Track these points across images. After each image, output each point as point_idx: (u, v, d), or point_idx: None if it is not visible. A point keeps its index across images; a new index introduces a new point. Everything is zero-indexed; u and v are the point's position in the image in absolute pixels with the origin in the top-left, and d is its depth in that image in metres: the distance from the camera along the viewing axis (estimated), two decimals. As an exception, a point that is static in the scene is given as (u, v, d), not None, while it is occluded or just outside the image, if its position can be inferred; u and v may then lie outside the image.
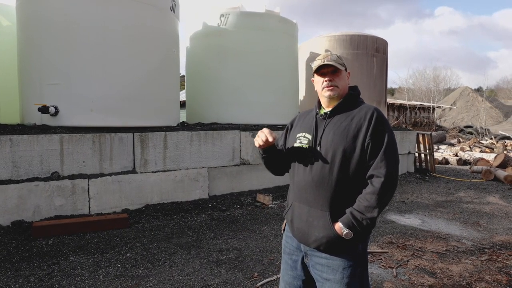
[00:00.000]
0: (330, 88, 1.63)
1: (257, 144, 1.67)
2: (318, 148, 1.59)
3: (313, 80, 1.76)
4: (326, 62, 1.61)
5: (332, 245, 1.53)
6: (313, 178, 1.58)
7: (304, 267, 1.67)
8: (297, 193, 1.67)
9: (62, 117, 4.79)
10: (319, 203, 1.57)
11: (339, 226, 1.51)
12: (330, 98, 1.64)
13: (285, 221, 1.80)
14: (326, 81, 1.63)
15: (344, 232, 1.49)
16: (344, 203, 1.54)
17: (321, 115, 1.67)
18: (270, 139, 1.62)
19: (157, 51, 5.46)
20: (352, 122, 1.56)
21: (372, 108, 1.59)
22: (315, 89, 1.74)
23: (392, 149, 1.53)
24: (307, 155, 1.62)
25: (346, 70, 1.68)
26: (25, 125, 4.96)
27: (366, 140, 1.51)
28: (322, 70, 1.65)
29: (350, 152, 1.52)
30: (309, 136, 1.65)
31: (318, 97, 1.74)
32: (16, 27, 5.30)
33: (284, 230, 1.82)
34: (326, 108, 1.69)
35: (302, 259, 1.67)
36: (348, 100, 1.65)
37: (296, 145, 1.69)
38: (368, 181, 1.52)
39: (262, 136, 1.63)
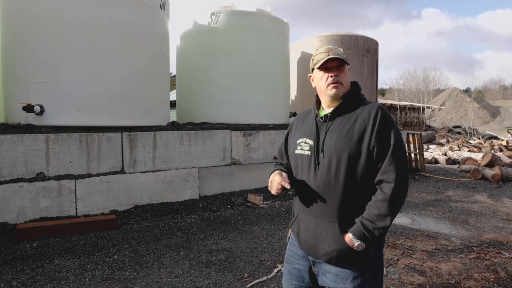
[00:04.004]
0: (335, 85, 1.48)
1: (274, 193, 1.53)
2: (321, 155, 1.46)
3: (310, 76, 1.60)
4: (332, 56, 1.46)
5: (344, 258, 1.43)
6: (318, 188, 1.46)
7: (312, 276, 1.56)
8: (303, 203, 1.55)
9: (48, 116, 4.67)
10: (326, 213, 1.46)
11: (349, 237, 1.40)
12: (335, 96, 1.50)
13: (290, 229, 1.69)
14: (331, 76, 1.48)
15: (356, 244, 1.38)
16: (353, 212, 1.43)
17: (321, 118, 1.53)
18: (288, 187, 1.47)
19: (146, 49, 5.37)
20: (356, 124, 1.44)
21: (375, 107, 1.46)
22: (314, 86, 1.58)
23: (400, 150, 1.40)
24: (310, 163, 1.50)
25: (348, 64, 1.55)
26: (9, 124, 4.82)
27: (372, 143, 1.39)
28: (327, 65, 1.49)
29: (356, 157, 1.40)
30: (311, 142, 1.51)
31: (317, 95, 1.59)
32: (0, 22, 5.16)
33: (289, 238, 1.70)
34: (327, 108, 1.55)
35: (310, 268, 1.57)
36: (350, 99, 1.51)
37: (297, 152, 1.56)
38: (377, 186, 1.40)
39: (277, 185, 1.49)
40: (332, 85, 1.49)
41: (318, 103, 1.60)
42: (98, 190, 4.66)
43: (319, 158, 1.48)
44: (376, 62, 9.91)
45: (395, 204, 1.37)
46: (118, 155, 4.82)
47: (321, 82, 1.52)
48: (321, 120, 1.53)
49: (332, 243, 1.43)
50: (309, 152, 1.51)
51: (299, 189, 1.57)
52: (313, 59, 1.55)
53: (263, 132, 6.39)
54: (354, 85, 1.57)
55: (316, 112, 1.58)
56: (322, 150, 1.47)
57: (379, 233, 1.37)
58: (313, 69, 1.56)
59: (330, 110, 1.53)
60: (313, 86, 1.60)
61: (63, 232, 4.03)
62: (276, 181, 1.49)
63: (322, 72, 1.52)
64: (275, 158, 1.80)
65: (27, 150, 4.20)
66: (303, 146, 1.54)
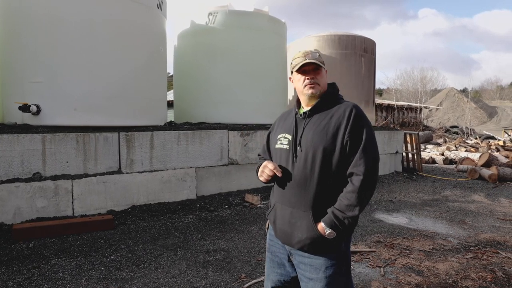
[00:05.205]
0: (312, 86, 1.61)
1: (263, 180, 1.64)
2: (299, 149, 1.58)
3: (290, 78, 1.73)
4: (308, 60, 1.59)
5: (316, 245, 1.53)
6: (295, 179, 1.57)
7: (292, 264, 1.68)
8: (280, 194, 1.66)
9: (44, 116, 4.65)
10: (301, 204, 1.56)
11: (321, 226, 1.51)
12: (312, 96, 1.62)
13: (268, 220, 1.80)
14: (308, 79, 1.61)
15: (327, 232, 1.49)
16: (327, 202, 1.54)
17: (301, 115, 1.66)
18: (279, 175, 1.59)
19: (143, 49, 5.35)
20: (331, 120, 1.56)
21: (350, 105, 1.58)
22: (294, 87, 1.71)
23: (370, 146, 1.52)
24: (288, 156, 1.61)
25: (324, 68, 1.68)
26: (5, 124, 4.79)
27: (345, 138, 1.51)
28: (303, 68, 1.62)
29: (330, 151, 1.52)
30: (289, 137, 1.64)
31: (297, 96, 1.71)
32: (-4, 23, 5.12)
33: (268, 228, 1.82)
34: (306, 107, 1.67)
35: (289, 256, 1.68)
36: (327, 98, 1.64)
37: (277, 146, 1.69)
38: (348, 179, 1.52)
39: (269, 172, 1.60)
40: (309, 86, 1.62)
41: (299, 102, 1.73)
42: (95, 190, 4.64)
43: (296, 151, 1.59)
44: (374, 62, 9.93)
45: (364, 195, 1.48)
46: (115, 155, 4.80)
47: (299, 83, 1.65)
48: (300, 117, 1.66)
49: (306, 230, 1.54)
50: (288, 146, 1.64)
51: (278, 180, 1.67)
52: (291, 63, 1.67)
53: (260, 132, 6.39)
54: (332, 86, 1.70)
55: (296, 110, 1.71)
56: (300, 144, 1.59)
57: (349, 222, 1.48)
58: (292, 72, 1.69)
59: (309, 108, 1.65)
60: (294, 87, 1.73)
61: (60, 232, 4.01)
62: (268, 168, 1.61)
63: (300, 75, 1.64)
64: (259, 155, 1.94)
65: (24, 150, 4.18)
66: (283, 141, 1.67)
